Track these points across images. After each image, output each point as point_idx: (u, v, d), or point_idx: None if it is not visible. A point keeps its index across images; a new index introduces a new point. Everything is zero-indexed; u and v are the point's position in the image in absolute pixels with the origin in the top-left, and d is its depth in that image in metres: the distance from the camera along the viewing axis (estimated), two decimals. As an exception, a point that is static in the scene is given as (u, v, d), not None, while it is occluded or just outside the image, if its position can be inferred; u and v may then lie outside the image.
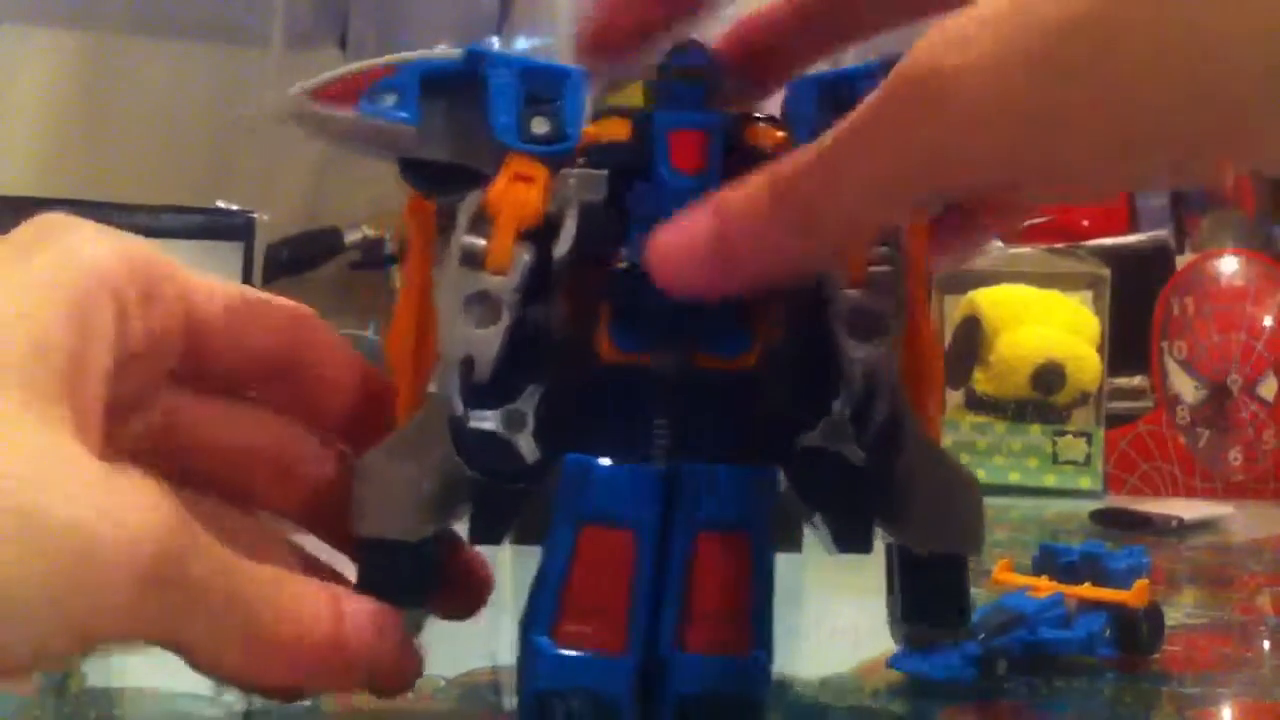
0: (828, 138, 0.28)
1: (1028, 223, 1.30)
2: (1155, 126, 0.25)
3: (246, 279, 0.82)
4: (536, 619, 0.30)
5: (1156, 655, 0.41)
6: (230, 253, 0.81)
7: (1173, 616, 0.47)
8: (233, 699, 0.37)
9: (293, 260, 1.45)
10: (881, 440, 0.31)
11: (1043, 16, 0.25)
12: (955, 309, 1.08)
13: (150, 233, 0.77)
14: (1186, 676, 0.40)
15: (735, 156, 0.32)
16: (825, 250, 0.29)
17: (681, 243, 0.29)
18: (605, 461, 0.31)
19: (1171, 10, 0.24)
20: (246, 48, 1.47)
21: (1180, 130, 0.25)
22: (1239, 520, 0.80)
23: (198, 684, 0.38)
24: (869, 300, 0.31)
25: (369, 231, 1.51)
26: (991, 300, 1.03)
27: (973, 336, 1.04)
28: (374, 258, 1.52)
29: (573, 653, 0.30)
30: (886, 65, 0.31)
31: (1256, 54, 0.24)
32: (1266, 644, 0.48)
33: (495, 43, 1.56)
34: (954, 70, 0.25)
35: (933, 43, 0.26)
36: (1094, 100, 0.25)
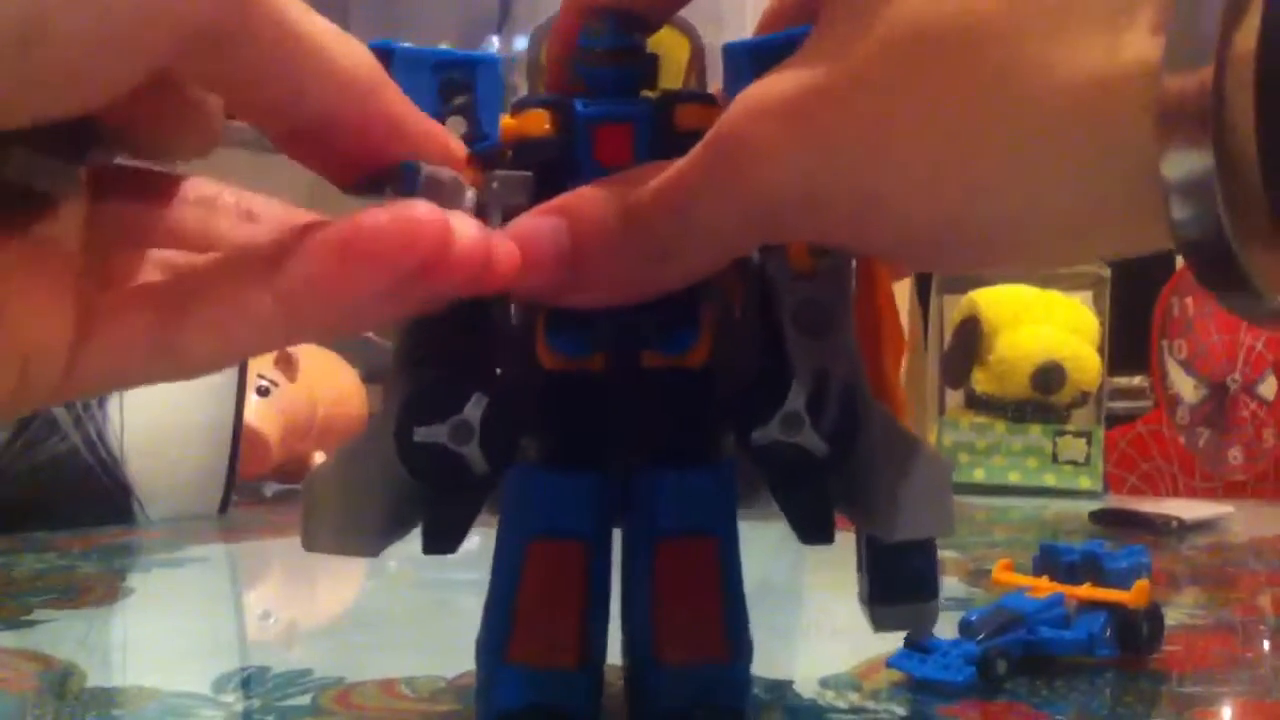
0: (672, 173, 0.27)
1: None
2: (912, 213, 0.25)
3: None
4: (490, 639, 0.30)
5: (1156, 655, 0.41)
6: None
7: (1173, 616, 0.47)
8: (232, 699, 0.37)
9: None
10: (840, 430, 0.29)
11: (806, 101, 0.25)
12: (955, 309, 1.08)
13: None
14: (1186, 676, 0.40)
15: (664, 141, 0.30)
16: (678, 276, 0.28)
17: (528, 246, 0.27)
18: (551, 472, 0.30)
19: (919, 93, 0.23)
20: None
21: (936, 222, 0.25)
22: (1239, 520, 0.80)
23: (198, 684, 0.38)
24: (817, 293, 0.30)
25: (369, 231, 1.51)
26: (991, 300, 1.04)
27: (973, 336, 1.04)
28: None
29: (529, 670, 0.29)
30: None
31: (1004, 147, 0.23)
32: (1266, 644, 0.47)
33: (495, 42, 1.56)
34: (750, 143, 0.25)
35: (736, 112, 0.26)
36: (863, 188, 0.25)
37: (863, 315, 0.32)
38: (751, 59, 0.30)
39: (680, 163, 0.27)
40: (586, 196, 0.28)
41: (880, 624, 0.33)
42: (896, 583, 0.32)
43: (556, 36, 0.31)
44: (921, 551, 0.32)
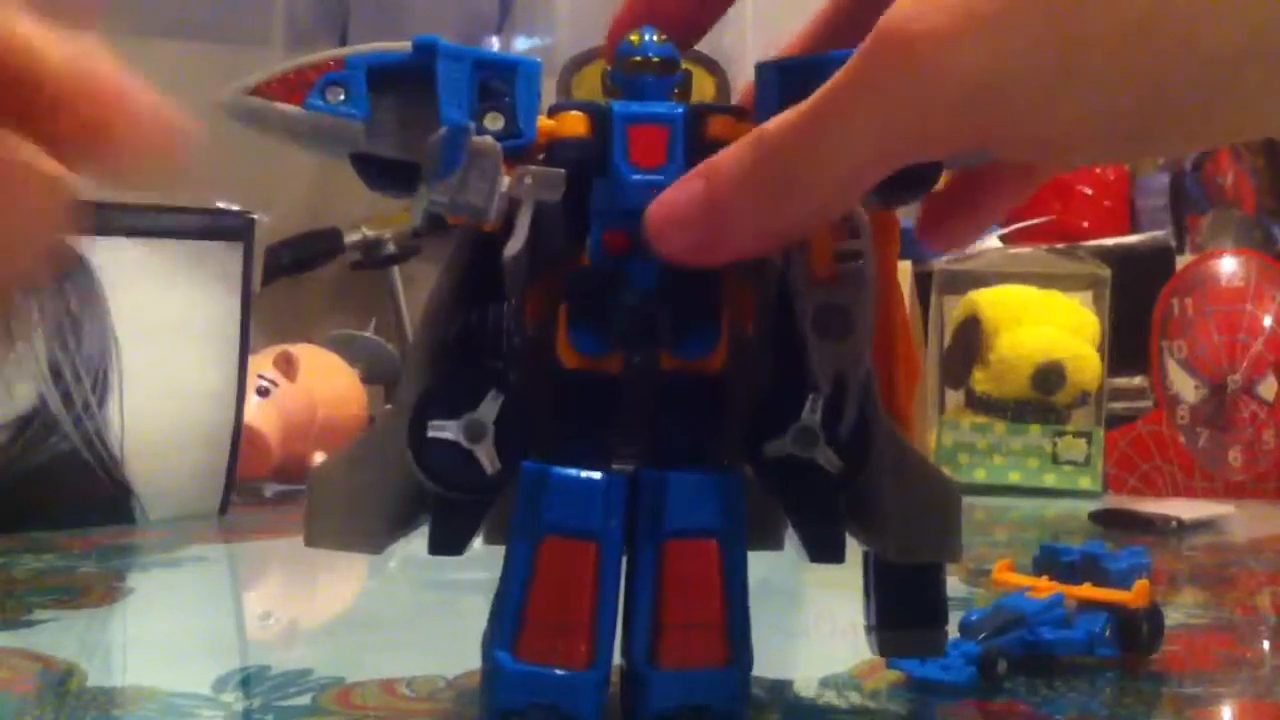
0: (810, 99, 0.27)
1: (1029, 223, 1.30)
2: (1119, 93, 0.25)
3: (246, 279, 0.82)
4: (498, 634, 0.30)
5: (1156, 655, 0.41)
6: (230, 253, 0.81)
7: (1173, 616, 0.47)
8: (232, 699, 0.37)
9: (293, 261, 1.46)
10: (852, 444, 0.30)
11: None
12: (955, 309, 1.08)
13: (150, 233, 0.77)
14: (1186, 676, 0.40)
15: (696, 148, 0.30)
16: (808, 214, 0.28)
17: (673, 208, 0.29)
18: (564, 470, 0.30)
19: None
20: (247, 48, 1.47)
21: (1140, 100, 0.25)
22: (1239, 520, 0.80)
23: (198, 684, 0.38)
24: (836, 297, 0.30)
25: (369, 231, 1.51)
26: (991, 300, 1.03)
27: (973, 336, 1.04)
28: (374, 258, 1.53)
29: (535, 668, 0.29)
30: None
31: (1238, 15, 0.23)
32: (1266, 644, 0.47)
33: (495, 42, 1.56)
34: (919, 35, 0.25)
35: (896, 16, 0.25)
36: (1049, 66, 0.24)
37: (879, 335, 0.32)
38: (780, 76, 0.30)
39: (821, 88, 0.27)
40: (725, 151, 0.29)
41: (885, 649, 0.33)
42: (904, 608, 0.32)
43: (609, 48, 0.32)
44: (930, 577, 0.32)
